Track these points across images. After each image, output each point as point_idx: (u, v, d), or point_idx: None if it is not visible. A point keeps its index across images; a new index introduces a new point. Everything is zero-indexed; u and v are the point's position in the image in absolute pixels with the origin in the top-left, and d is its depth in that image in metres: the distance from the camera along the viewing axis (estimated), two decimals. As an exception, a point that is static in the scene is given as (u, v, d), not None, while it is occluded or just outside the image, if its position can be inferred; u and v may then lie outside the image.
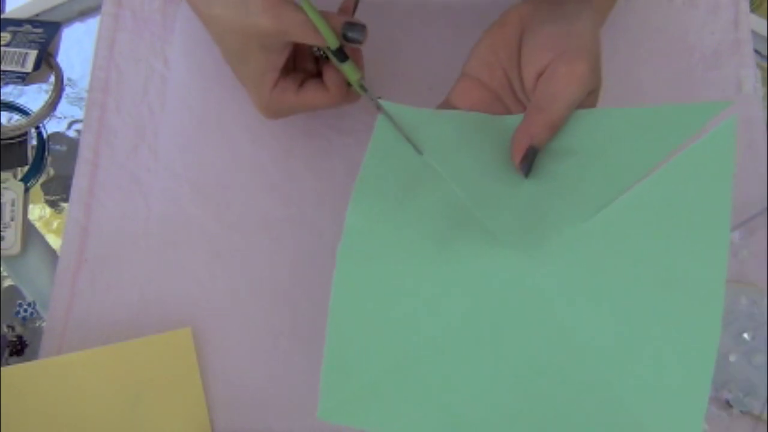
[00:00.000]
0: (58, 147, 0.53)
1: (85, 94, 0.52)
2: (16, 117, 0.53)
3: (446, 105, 0.42)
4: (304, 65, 0.45)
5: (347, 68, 0.41)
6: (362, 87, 0.42)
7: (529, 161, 0.37)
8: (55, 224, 0.50)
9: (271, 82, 0.42)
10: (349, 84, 0.44)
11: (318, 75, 0.44)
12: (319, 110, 0.46)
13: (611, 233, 0.35)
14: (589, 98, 0.37)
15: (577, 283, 0.35)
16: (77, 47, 0.55)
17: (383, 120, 0.41)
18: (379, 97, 0.42)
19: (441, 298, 0.36)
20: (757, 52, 0.54)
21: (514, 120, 0.39)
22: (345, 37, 0.40)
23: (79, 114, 0.53)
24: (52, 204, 0.51)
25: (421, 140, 0.40)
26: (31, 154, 0.52)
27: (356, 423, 0.36)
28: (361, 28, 0.40)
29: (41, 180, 0.52)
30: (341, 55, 0.41)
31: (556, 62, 0.36)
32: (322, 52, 0.44)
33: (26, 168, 0.51)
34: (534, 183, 0.38)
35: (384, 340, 0.36)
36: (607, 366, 0.34)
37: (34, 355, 0.46)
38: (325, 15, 0.40)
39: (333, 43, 0.40)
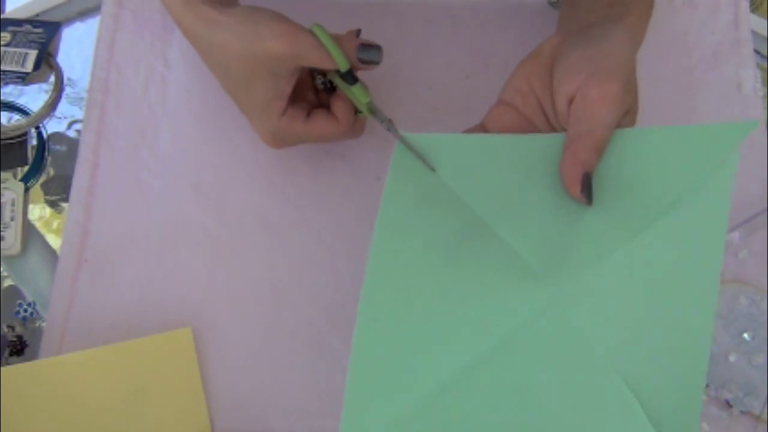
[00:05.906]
0: (58, 147, 0.53)
1: (85, 94, 0.52)
2: (16, 117, 0.53)
3: (480, 128, 0.41)
4: (305, 96, 0.45)
5: (357, 91, 0.41)
6: (371, 110, 0.42)
7: (588, 189, 0.36)
8: (55, 224, 0.50)
9: (278, 110, 0.42)
10: (356, 112, 0.43)
11: (319, 106, 0.44)
12: (324, 141, 0.45)
13: (634, 267, 0.36)
14: (626, 118, 0.37)
15: (610, 315, 0.35)
16: (77, 47, 0.55)
17: (400, 145, 0.39)
18: (390, 120, 0.41)
19: (467, 326, 0.36)
20: (757, 52, 0.54)
21: (544, 139, 0.38)
22: (360, 60, 0.40)
23: (79, 114, 0.53)
24: (52, 204, 0.51)
25: (439, 162, 0.39)
26: (31, 154, 0.52)
27: None
28: (377, 49, 0.40)
29: (41, 180, 0.52)
30: (350, 78, 0.41)
31: (587, 84, 0.35)
32: (324, 83, 0.44)
33: (26, 168, 0.51)
34: (566, 206, 0.37)
35: (409, 369, 0.36)
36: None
37: (34, 355, 0.46)
38: (337, 38, 0.40)
39: (344, 65, 0.40)
